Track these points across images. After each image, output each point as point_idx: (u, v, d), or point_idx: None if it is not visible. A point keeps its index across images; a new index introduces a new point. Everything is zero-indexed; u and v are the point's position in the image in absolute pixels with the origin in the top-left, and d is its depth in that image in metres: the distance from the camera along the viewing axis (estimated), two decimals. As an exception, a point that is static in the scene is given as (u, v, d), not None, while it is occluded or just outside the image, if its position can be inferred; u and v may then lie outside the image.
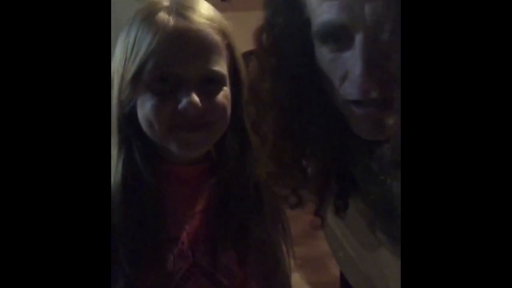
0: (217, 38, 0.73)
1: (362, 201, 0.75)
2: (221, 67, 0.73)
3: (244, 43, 0.80)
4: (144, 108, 0.71)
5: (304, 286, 1.98)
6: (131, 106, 0.73)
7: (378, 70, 0.61)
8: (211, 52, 0.72)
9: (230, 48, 0.75)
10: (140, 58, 0.70)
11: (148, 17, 0.72)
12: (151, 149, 0.74)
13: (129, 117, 0.73)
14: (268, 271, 0.80)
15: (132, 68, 0.71)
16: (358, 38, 0.61)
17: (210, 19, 0.73)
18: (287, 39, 0.70)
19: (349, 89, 0.64)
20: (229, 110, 0.74)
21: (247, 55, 0.80)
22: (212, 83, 0.72)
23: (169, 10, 0.72)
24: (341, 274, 0.95)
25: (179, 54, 0.70)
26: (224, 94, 0.73)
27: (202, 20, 0.72)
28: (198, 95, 0.70)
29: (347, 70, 0.64)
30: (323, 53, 0.66)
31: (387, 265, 0.74)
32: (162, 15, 0.71)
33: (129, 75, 0.71)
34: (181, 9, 0.72)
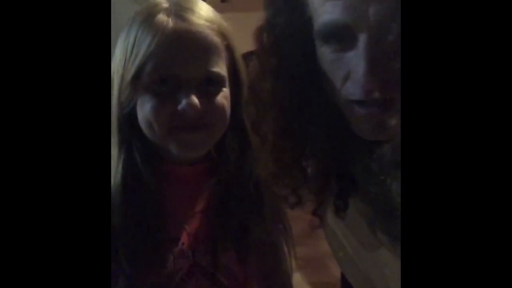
0: (216, 39, 0.73)
1: (362, 201, 0.75)
2: (221, 68, 0.73)
3: (244, 44, 0.80)
4: (144, 109, 0.71)
5: (305, 286, 1.98)
6: (131, 107, 0.73)
7: (382, 71, 0.61)
8: (210, 53, 0.72)
9: (229, 49, 0.75)
10: (140, 60, 0.70)
11: (147, 18, 0.72)
12: (151, 150, 0.75)
13: (129, 118, 0.73)
14: (268, 271, 0.80)
15: (132, 70, 0.71)
16: (362, 39, 0.61)
17: (209, 20, 0.73)
18: (288, 38, 0.69)
19: (352, 89, 0.64)
20: (228, 111, 0.74)
21: (247, 55, 0.80)
22: (211, 84, 0.72)
23: (168, 12, 0.72)
24: (342, 275, 0.95)
25: (178, 55, 0.71)
26: (223, 95, 0.73)
27: (201, 22, 0.72)
28: (198, 96, 0.70)
29: (349, 70, 0.64)
30: (325, 53, 0.66)
31: (387, 265, 0.74)
32: (161, 17, 0.71)
33: (128, 76, 0.71)
34: (180, 10, 0.72)
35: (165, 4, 0.73)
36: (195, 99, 0.69)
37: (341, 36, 0.63)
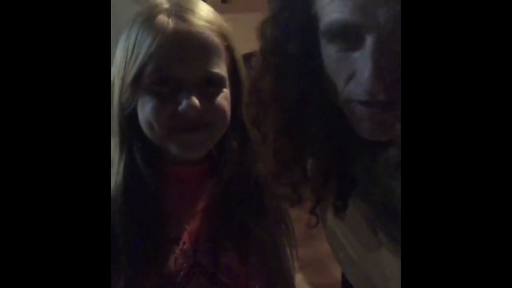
0: (216, 40, 0.73)
1: (362, 201, 0.75)
2: (221, 69, 0.73)
3: (244, 45, 0.80)
4: (144, 110, 0.71)
5: (305, 287, 1.98)
6: (132, 108, 0.73)
7: (387, 73, 0.60)
8: (210, 54, 0.72)
9: (229, 50, 0.76)
10: (140, 61, 0.70)
11: (148, 19, 0.72)
12: (152, 150, 0.75)
13: (130, 118, 0.73)
14: (270, 271, 0.80)
15: (132, 71, 0.71)
16: (370, 40, 0.60)
17: (209, 21, 0.73)
18: (292, 34, 0.69)
19: (355, 90, 0.63)
20: (228, 112, 0.75)
21: (247, 56, 0.80)
22: (211, 85, 0.73)
23: (168, 13, 0.72)
24: (342, 275, 0.95)
25: (178, 56, 0.71)
26: (223, 96, 0.74)
27: (201, 23, 0.72)
28: (198, 97, 0.70)
29: (354, 71, 0.63)
30: (330, 52, 0.65)
31: (388, 265, 0.74)
32: (162, 18, 0.71)
33: (129, 78, 0.71)
34: (181, 11, 0.72)
35: (166, 5, 0.73)
36: (195, 100, 0.70)
37: (348, 35, 0.62)
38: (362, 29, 0.60)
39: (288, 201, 0.79)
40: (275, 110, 0.71)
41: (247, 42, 0.81)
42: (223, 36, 0.75)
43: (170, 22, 0.71)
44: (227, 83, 0.75)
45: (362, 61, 0.61)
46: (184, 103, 0.70)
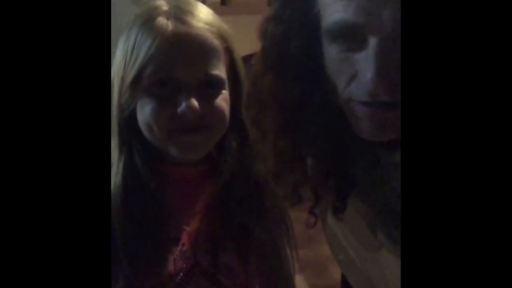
0: (216, 42, 0.73)
1: (362, 202, 0.75)
2: (220, 71, 0.73)
3: (244, 47, 0.80)
4: (144, 112, 0.71)
5: (305, 288, 1.98)
6: (131, 110, 0.73)
7: (390, 75, 0.60)
8: (210, 56, 0.72)
9: (229, 51, 0.76)
10: (139, 63, 0.70)
11: (147, 21, 0.73)
12: (151, 151, 0.75)
13: (129, 120, 0.74)
14: (270, 271, 0.80)
15: (132, 73, 0.71)
16: (373, 41, 0.60)
17: (208, 23, 0.73)
18: (293, 33, 0.69)
19: (357, 91, 0.63)
20: (228, 113, 0.75)
21: (246, 58, 0.80)
22: (211, 86, 0.73)
23: (168, 15, 0.72)
24: (342, 277, 0.94)
25: (178, 58, 0.71)
26: (223, 98, 0.74)
27: (200, 25, 0.72)
28: (197, 99, 0.70)
29: (356, 71, 0.63)
30: (332, 52, 0.65)
31: (388, 266, 0.74)
32: (161, 20, 0.72)
33: (128, 79, 0.71)
34: (180, 13, 0.72)
35: (165, 7, 0.73)
36: (194, 102, 0.70)
37: (351, 36, 0.62)
38: (365, 30, 0.60)
39: (288, 201, 0.79)
40: (275, 110, 0.71)
41: (246, 44, 0.81)
42: (223, 38, 0.75)
43: (170, 24, 0.71)
44: (227, 84, 0.75)
45: (365, 62, 0.61)
46: (183, 105, 0.70)
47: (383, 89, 0.60)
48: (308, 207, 0.79)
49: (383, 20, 0.58)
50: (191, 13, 0.73)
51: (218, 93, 0.73)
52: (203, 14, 0.74)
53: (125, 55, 0.73)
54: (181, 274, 0.73)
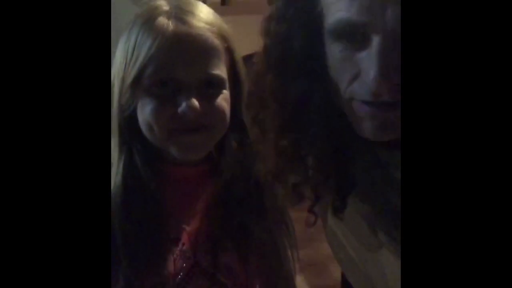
0: (216, 42, 0.73)
1: (362, 201, 0.75)
2: (221, 70, 0.73)
3: (244, 47, 0.80)
4: (144, 112, 0.72)
5: (305, 288, 1.98)
6: (132, 110, 0.73)
7: (393, 74, 0.60)
8: (210, 56, 0.72)
9: (229, 51, 0.76)
10: (140, 63, 0.70)
11: (148, 21, 0.73)
12: (152, 151, 0.75)
13: (130, 120, 0.74)
14: (270, 271, 0.80)
15: (132, 73, 0.71)
16: (376, 40, 0.59)
17: (209, 23, 0.74)
18: (296, 31, 0.68)
19: (359, 90, 0.63)
20: (228, 113, 0.75)
21: (247, 58, 0.80)
22: (211, 86, 0.73)
23: (168, 15, 0.72)
24: (342, 277, 0.94)
25: (178, 58, 0.71)
26: (223, 97, 0.74)
27: (201, 25, 0.73)
28: (198, 99, 0.70)
29: (359, 71, 0.62)
30: (334, 50, 0.64)
31: (388, 265, 0.74)
32: (162, 20, 0.72)
33: (129, 79, 0.72)
34: (181, 13, 0.73)
35: (166, 7, 0.74)
36: (195, 102, 0.70)
37: (354, 35, 0.61)
38: (368, 29, 0.60)
39: (289, 201, 0.79)
40: (276, 109, 0.71)
41: (246, 44, 0.81)
42: (223, 37, 0.75)
43: (170, 24, 0.71)
44: (227, 84, 0.75)
45: (368, 61, 0.60)
46: (184, 104, 0.70)
47: (386, 88, 0.60)
48: (308, 207, 0.79)
49: (386, 19, 0.58)
50: (191, 13, 0.73)
51: (218, 93, 0.73)
52: (204, 14, 0.75)
53: (125, 55, 0.73)
54: (181, 274, 0.73)
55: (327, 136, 0.70)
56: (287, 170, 0.73)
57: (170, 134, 0.72)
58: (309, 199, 0.77)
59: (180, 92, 0.71)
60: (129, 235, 0.71)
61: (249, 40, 0.80)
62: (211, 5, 0.81)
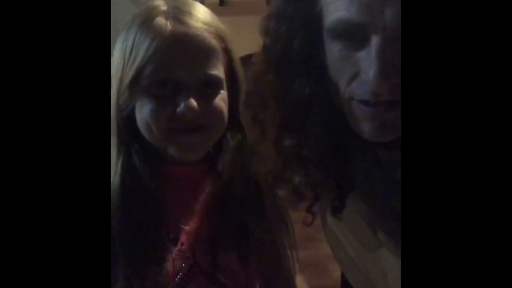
0: (214, 42, 0.73)
1: (362, 201, 0.75)
2: (219, 70, 0.73)
3: (242, 47, 0.80)
4: (143, 112, 0.71)
5: (305, 288, 1.98)
6: (130, 110, 0.73)
7: (392, 74, 0.60)
8: (208, 56, 0.73)
9: (227, 51, 0.76)
10: (138, 63, 0.70)
11: (145, 21, 0.73)
12: (150, 151, 0.75)
13: (128, 120, 0.74)
14: (270, 271, 0.80)
15: (130, 73, 0.71)
16: (375, 40, 0.59)
17: (207, 23, 0.74)
18: (295, 30, 0.68)
19: (358, 89, 0.63)
20: (226, 113, 0.75)
21: (245, 58, 0.80)
22: (209, 86, 0.73)
23: (166, 15, 0.72)
24: (342, 277, 0.94)
25: (177, 59, 0.71)
26: (221, 97, 0.74)
27: (199, 25, 0.73)
28: (196, 99, 0.70)
29: (358, 70, 0.62)
30: (334, 50, 0.64)
31: (388, 265, 0.74)
32: (160, 20, 0.72)
33: (127, 80, 0.72)
34: (179, 14, 0.73)
35: (164, 7, 0.74)
36: (193, 102, 0.70)
37: (353, 34, 0.61)
38: (368, 28, 0.59)
39: (289, 201, 0.79)
40: (276, 108, 0.71)
41: (244, 45, 0.81)
42: (221, 38, 0.75)
43: (168, 24, 0.71)
44: (225, 84, 0.75)
45: (367, 60, 0.60)
46: (182, 105, 0.70)
47: (385, 87, 0.60)
48: (307, 206, 0.79)
49: (386, 19, 0.58)
50: (189, 13, 0.73)
51: (216, 93, 0.74)
52: (201, 14, 0.75)
53: (123, 55, 0.73)
54: (180, 274, 0.73)
55: (327, 136, 0.69)
56: (287, 170, 0.73)
57: (169, 134, 0.72)
58: (309, 199, 0.77)
59: (178, 92, 0.71)
60: (128, 235, 0.71)
61: (247, 40, 0.80)
62: (209, 5, 0.81)
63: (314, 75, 0.68)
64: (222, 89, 0.75)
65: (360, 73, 0.62)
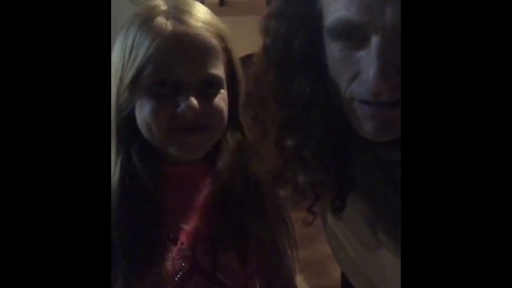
0: (214, 41, 0.73)
1: (362, 201, 0.75)
2: (219, 70, 0.73)
3: (242, 47, 0.80)
4: (143, 112, 0.71)
5: (305, 288, 1.98)
6: (130, 109, 0.73)
7: (392, 74, 0.60)
8: (209, 55, 0.72)
9: (227, 51, 0.76)
10: (138, 63, 0.70)
11: (146, 21, 0.72)
12: (150, 151, 0.75)
13: (127, 120, 0.73)
14: (270, 271, 0.80)
15: (130, 73, 0.71)
16: (375, 39, 0.59)
17: (207, 23, 0.74)
18: (296, 30, 0.68)
19: (359, 89, 0.63)
20: (226, 113, 0.75)
21: (245, 59, 0.80)
22: (210, 86, 0.73)
23: (167, 15, 0.72)
24: (342, 277, 0.94)
25: (177, 58, 0.71)
26: (221, 97, 0.74)
27: (199, 24, 0.73)
28: (197, 99, 0.70)
29: (359, 70, 0.62)
30: (334, 50, 0.64)
31: (388, 265, 0.74)
32: (160, 20, 0.72)
33: (127, 80, 0.71)
34: (179, 13, 0.72)
35: (163, 7, 0.73)
36: (194, 101, 0.70)
37: (353, 34, 0.61)
38: (368, 28, 0.59)
39: (289, 202, 0.79)
40: (276, 108, 0.71)
41: (244, 45, 0.81)
42: (221, 37, 0.75)
43: (169, 24, 0.71)
44: (225, 84, 0.75)
45: (367, 60, 0.60)
46: (183, 104, 0.70)
47: (386, 87, 0.60)
48: (307, 206, 0.79)
49: (386, 18, 0.58)
50: (189, 12, 0.73)
51: (216, 92, 0.74)
52: (201, 14, 0.75)
53: (123, 55, 0.73)
54: (180, 274, 0.73)
55: (327, 136, 0.69)
56: (288, 170, 0.73)
57: (169, 134, 0.72)
58: (309, 199, 0.77)
59: (179, 92, 0.71)
60: (128, 235, 0.70)
61: (247, 40, 0.80)
62: (209, 5, 0.81)
63: (314, 75, 0.68)
64: (222, 88, 0.75)
65: (360, 73, 0.62)
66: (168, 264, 0.73)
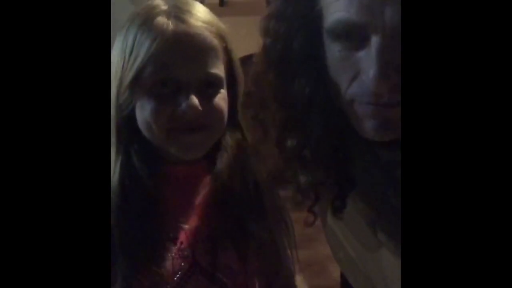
0: (214, 41, 0.73)
1: (362, 201, 0.75)
2: (219, 70, 0.73)
3: (242, 48, 0.80)
4: (143, 112, 0.71)
5: (305, 288, 1.97)
6: (130, 109, 0.73)
7: (392, 74, 0.60)
8: (209, 55, 0.73)
9: (227, 51, 0.76)
10: (139, 63, 0.70)
11: (146, 21, 0.72)
12: (150, 151, 0.75)
13: (128, 120, 0.73)
14: (270, 270, 0.80)
15: (131, 73, 0.71)
16: (375, 40, 0.59)
17: (207, 22, 0.74)
18: (295, 30, 0.68)
19: (359, 90, 0.63)
20: (226, 112, 0.75)
21: (245, 59, 0.80)
22: (210, 86, 0.73)
23: (167, 14, 0.72)
24: (342, 276, 0.94)
25: (178, 58, 0.71)
26: (221, 97, 0.74)
27: (199, 24, 0.73)
28: (198, 98, 0.70)
29: (359, 71, 0.62)
30: (334, 50, 0.64)
31: (388, 265, 0.74)
32: (161, 20, 0.72)
33: (127, 80, 0.71)
34: (179, 13, 0.72)
35: (164, 7, 0.73)
36: (195, 101, 0.70)
37: (353, 35, 0.61)
38: (368, 28, 0.59)
39: (292, 202, 0.79)
40: (276, 108, 0.71)
41: (244, 45, 0.81)
42: (221, 37, 0.75)
43: (170, 23, 0.71)
44: (225, 83, 0.75)
45: (367, 60, 0.60)
46: (183, 104, 0.70)
47: (386, 87, 0.60)
48: (308, 206, 0.79)
49: (386, 19, 0.58)
50: (189, 12, 0.73)
51: (217, 92, 0.74)
52: (201, 13, 0.75)
53: (123, 55, 0.73)
54: (180, 273, 0.73)
55: (327, 136, 0.70)
56: (288, 170, 0.73)
57: (169, 133, 0.72)
58: (309, 199, 0.77)
59: (179, 91, 0.71)
60: (127, 235, 0.70)
61: (247, 40, 0.80)
62: (209, 5, 0.81)
63: (314, 75, 0.68)
64: (222, 88, 0.75)
65: (360, 74, 0.62)
66: (168, 264, 0.73)
